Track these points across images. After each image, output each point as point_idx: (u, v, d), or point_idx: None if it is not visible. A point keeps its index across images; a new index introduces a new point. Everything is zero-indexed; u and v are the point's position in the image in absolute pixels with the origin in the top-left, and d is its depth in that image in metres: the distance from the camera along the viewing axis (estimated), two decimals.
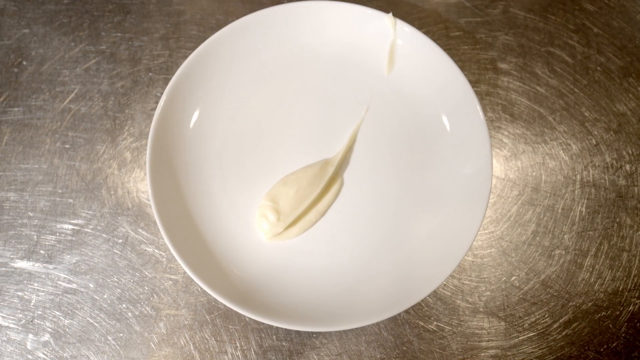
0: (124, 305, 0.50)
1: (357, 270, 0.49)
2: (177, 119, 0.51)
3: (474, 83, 0.58)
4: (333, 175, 0.51)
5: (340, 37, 0.54)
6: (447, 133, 0.52)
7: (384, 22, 0.53)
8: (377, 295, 0.47)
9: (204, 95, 0.53)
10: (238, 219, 0.50)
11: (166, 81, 0.57)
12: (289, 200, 0.49)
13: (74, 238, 0.52)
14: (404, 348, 0.49)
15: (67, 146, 0.55)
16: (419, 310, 0.50)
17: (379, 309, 0.45)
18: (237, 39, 0.53)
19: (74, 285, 0.51)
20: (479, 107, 0.49)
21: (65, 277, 0.51)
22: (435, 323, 0.50)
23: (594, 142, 0.56)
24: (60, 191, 0.54)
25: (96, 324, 0.50)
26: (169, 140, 0.50)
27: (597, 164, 0.55)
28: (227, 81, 0.54)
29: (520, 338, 0.49)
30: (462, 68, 0.58)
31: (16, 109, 0.57)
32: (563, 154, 0.55)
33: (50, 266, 0.51)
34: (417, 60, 0.53)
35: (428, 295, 0.50)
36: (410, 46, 0.53)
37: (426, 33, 0.59)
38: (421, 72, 0.53)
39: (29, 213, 0.53)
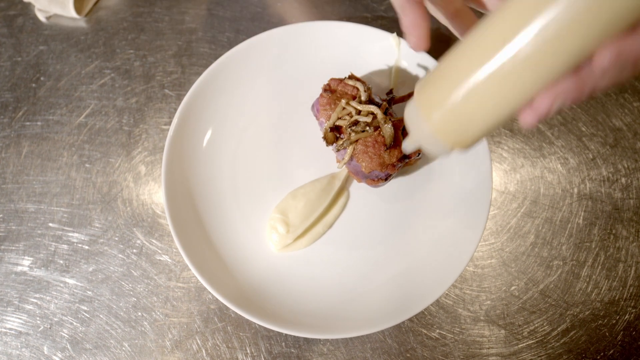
0: (139, 313, 0.52)
1: (363, 280, 0.51)
2: (191, 135, 0.54)
3: None
4: (340, 189, 0.53)
5: (347, 56, 0.57)
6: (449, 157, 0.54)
7: (388, 42, 0.55)
8: (382, 304, 0.49)
9: (216, 112, 0.55)
10: (249, 230, 0.52)
11: (179, 97, 0.60)
12: (298, 213, 0.51)
13: (90, 248, 0.54)
14: (408, 355, 0.51)
15: (84, 159, 0.58)
16: (422, 319, 0.52)
17: (383, 317, 0.47)
18: (247, 58, 0.56)
19: (91, 294, 0.53)
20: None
21: (82, 286, 0.53)
22: (437, 331, 0.52)
23: (591, 156, 0.58)
24: (77, 203, 0.56)
25: (112, 331, 0.52)
26: (182, 155, 0.53)
27: (593, 178, 0.57)
28: (238, 98, 0.56)
29: (520, 346, 0.51)
30: None
31: (34, 123, 0.59)
32: (561, 168, 0.58)
33: (68, 275, 0.54)
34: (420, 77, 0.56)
35: (431, 304, 0.52)
36: (414, 65, 0.55)
37: (430, 51, 0.61)
38: None
39: (48, 224, 0.55)
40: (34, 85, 0.61)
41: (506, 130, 0.59)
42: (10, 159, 0.58)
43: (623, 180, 0.57)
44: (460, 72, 0.28)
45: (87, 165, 0.57)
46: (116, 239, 0.54)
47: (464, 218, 0.51)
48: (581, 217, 0.56)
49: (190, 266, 0.47)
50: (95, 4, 0.65)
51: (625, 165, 0.58)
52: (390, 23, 0.63)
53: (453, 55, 0.29)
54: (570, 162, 0.58)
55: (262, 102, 0.57)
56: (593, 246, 0.55)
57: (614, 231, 0.55)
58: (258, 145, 0.55)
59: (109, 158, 0.58)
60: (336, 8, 0.65)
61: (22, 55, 0.62)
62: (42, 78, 0.61)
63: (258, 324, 0.52)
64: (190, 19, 0.64)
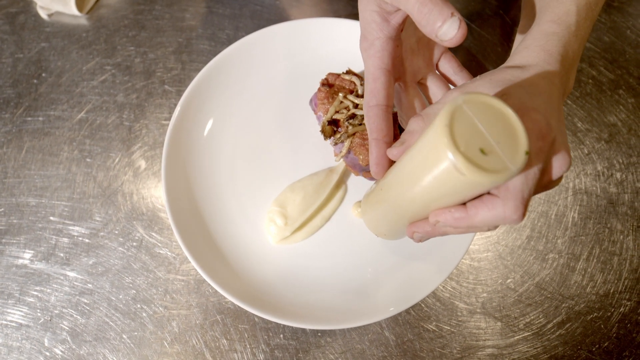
0: (138, 305, 0.53)
1: (360, 272, 0.51)
2: (191, 129, 0.54)
3: None
4: (337, 183, 0.54)
5: (346, 52, 0.57)
6: None
7: None
8: (378, 296, 0.50)
9: (216, 107, 0.56)
10: (247, 223, 0.53)
11: (179, 93, 0.60)
12: (296, 206, 0.52)
13: (90, 241, 0.55)
14: (405, 347, 0.51)
15: (85, 154, 0.58)
16: (419, 311, 0.53)
17: (380, 308, 0.48)
18: (247, 54, 0.56)
19: (91, 286, 0.53)
20: None
21: (82, 279, 0.54)
22: (435, 323, 0.52)
23: (586, 152, 0.59)
24: (77, 197, 0.57)
25: (112, 323, 0.52)
26: (182, 148, 0.53)
27: (589, 172, 0.58)
28: (238, 93, 0.57)
29: (516, 337, 0.52)
30: None
31: (36, 118, 0.60)
32: None
33: (68, 268, 0.54)
34: None
35: (428, 297, 0.53)
36: None
37: None
38: None
39: (49, 217, 0.56)
40: (35, 81, 0.62)
41: None
42: (11, 154, 0.58)
43: (618, 175, 0.58)
44: (371, 207, 0.43)
45: (88, 159, 0.58)
46: (116, 232, 0.55)
47: None
48: (576, 211, 0.56)
49: (189, 258, 0.48)
50: (97, 1, 0.65)
51: (620, 161, 0.58)
52: None
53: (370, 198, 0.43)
54: None
55: (262, 97, 0.57)
56: (588, 240, 0.55)
57: (609, 225, 0.56)
58: (257, 140, 0.56)
59: (110, 153, 0.58)
60: (334, 6, 0.65)
61: (24, 52, 0.63)
62: (43, 74, 0.62)
63: (257, 317, 0.52)
64: (191, 17, 0.65)
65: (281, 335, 0.52)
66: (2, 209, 0.56)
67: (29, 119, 0.60)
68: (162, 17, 0.64)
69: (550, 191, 0.57)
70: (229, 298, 0.47)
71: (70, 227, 0.55)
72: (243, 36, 0.57)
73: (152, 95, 0.61)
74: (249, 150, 0.56)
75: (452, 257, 0.49)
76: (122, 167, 0.58)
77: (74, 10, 0.63)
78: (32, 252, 0.55)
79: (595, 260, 0.55)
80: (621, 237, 0.55)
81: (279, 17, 0.65)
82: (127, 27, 0.64)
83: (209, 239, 0.51)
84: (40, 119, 0.60)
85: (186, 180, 0.53)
